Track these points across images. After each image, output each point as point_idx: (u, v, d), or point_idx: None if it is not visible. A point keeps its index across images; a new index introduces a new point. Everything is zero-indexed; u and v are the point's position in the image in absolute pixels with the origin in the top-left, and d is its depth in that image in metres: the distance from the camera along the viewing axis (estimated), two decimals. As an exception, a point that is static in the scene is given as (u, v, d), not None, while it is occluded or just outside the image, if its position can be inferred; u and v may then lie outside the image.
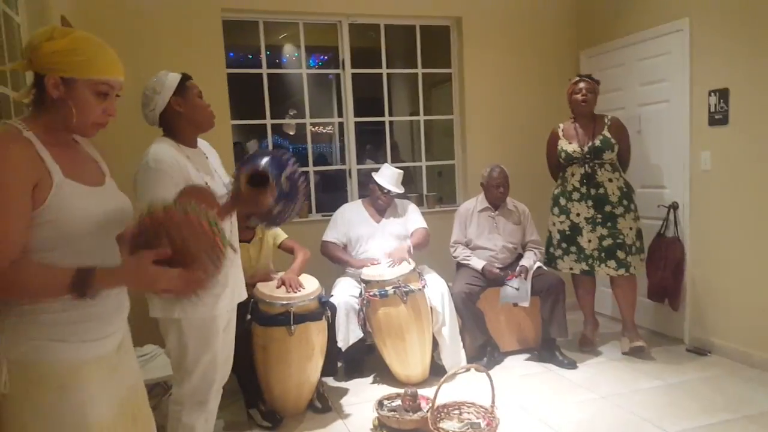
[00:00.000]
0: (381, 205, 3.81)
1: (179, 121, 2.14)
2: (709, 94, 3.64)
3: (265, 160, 1.93)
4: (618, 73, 4.37)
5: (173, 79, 2.12)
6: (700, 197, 3.79)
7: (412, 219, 3.86)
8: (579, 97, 3.71)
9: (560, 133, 3.84)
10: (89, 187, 1.36)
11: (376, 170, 3.86)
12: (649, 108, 4.15)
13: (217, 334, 2.12)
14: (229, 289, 2.15)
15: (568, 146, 3.75)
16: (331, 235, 3.80)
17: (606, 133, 3.69)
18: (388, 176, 3.76)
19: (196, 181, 2.03)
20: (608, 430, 2.77)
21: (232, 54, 4.36)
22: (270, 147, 4.54)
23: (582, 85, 3.73)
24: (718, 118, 3.60)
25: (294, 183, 2.01)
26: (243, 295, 2.30)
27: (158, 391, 2.80)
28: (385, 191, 3.73)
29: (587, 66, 4.65)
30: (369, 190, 3.87)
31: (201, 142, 2.29)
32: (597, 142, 3.67)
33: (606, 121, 3.75)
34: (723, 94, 3.56)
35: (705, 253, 3.78)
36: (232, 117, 4.01)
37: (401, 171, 3.86)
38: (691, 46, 3.75)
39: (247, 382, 3.07)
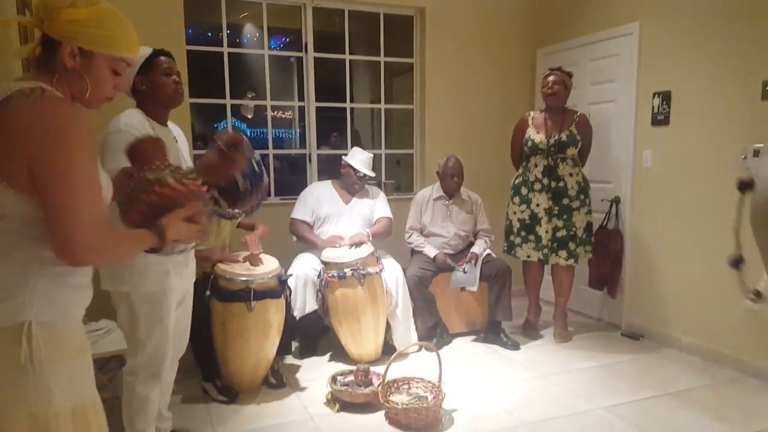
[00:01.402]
0: (355, 187, 3.97)
1: (144, 97, 2.22)
2: (653, 96, 3.95)
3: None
4: (573, 73, 4.68)
5: (141, 56, 2.17)
6: (641, 193, 4.12)
7: (379, 207, 4.03)
8: (546, 90, 3.91)
9: (530, 121, 4.04)
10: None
11: (336, 155, 4.01)
12: (598, 107, 4.45)
13: (170, 309, 2.20)
14: (185, 269, 2.26)
15: (536, 136, 3.95)
16: (300, 212, 3.93)
17: (573, 128, 3.91)
18: (361, 160, 3.92)
19: None
20: (545, 405, 3.06)
21: (190, 30, 4.40)
22: (229, 129, 4.63)
23: (551, 78, 3.90)
24: (660, 119, 3.92)
25: (260, 167, 2.17)
26: (193, 276, 2.40)
27: (113, 365, 2.85)
28: (360, 174, 3.89)
29: (543, 64, 4.94)
30: (341, 173, 3.99)
31: (173, 126, 2.37)
32: (563, 137, 3.89)
33: (575, 117, 3.96)
34: (666, 96, 3.88)
35: (643, 245, 4.12)
36: (190, 95, 4.06)
37: (371, 155, 4.02)
38: (640, 49, 4.05)
39: (204, 357, 3.17)
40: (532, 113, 4.10)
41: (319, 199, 3.95)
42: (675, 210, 3.88)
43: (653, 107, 3.97)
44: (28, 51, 1.33)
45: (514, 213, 4.08)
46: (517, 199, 4.06)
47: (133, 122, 2.11)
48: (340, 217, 3.92)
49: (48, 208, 1.21)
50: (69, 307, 1.33)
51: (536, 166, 3.97)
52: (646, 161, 4.06)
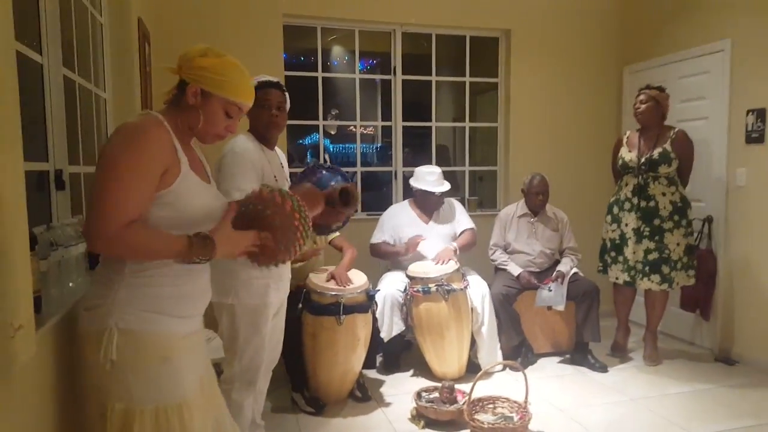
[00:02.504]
0: (431, 207, 3.85)
1: (250, 124, 2.33)
2: (747, 113, 3.70)
3: (336, 177, 2.14)
4: (665, 88, 4.42)
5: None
6: (734, 212, 3.84)
7: (460, 220, 3.90)
8: (635, 107, 3.73)
9: (624, 140, 3.86)
10: (202, 182, 1.54)
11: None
12: (687, 124, 4.14)
13: (267, 320, 2.26)
14: (281, 282, 2.31)
15: (627, 154, 3.77)
16: (379, 236, 3.85)
17: (667, 146, 3.64)
18: (430, 181, 3.76)
19: (268, 177, 2.20)
20: (636, 430, 2.87)
21: (285, 55, 4.53)
22: (321, 149, 4.70)
23: (641, 96, 3.70)
24: (755, 137, 3.66)
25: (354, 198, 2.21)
26: (287, 290, 2.44)
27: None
28: (432, 194, 3.76)
29: (630, 81, 4.71)
30: (414, 194, 3.89)
31: (277, 150, 2.45)
32: (655, 155, 3.64)
33: (671, 134, 3.69)
34: (760, 114, 3.62)
35: (737, 267, 3.83)
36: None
37: (437, 168, 3.84)
38: (732, 66, 3.80)
39: (294, 368, 3.22)
40: (628, 132, 3.91)
41: (398, 224, 3.85)
42: (771, 230, 3.57)
43: (747, 125, 3.71)
44: (168, 93, 1.54)
45: (606, 232, 3.90)
46: (609, 218, 3.88)
47: (247, 146, 2.21)
48: (422, 238, 3.79)
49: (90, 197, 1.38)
50: (150, 315, 1.42)
51: (627, 185, 3.77)
52: (740, 180, 3.78)
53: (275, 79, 2.35)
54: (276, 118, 2.31)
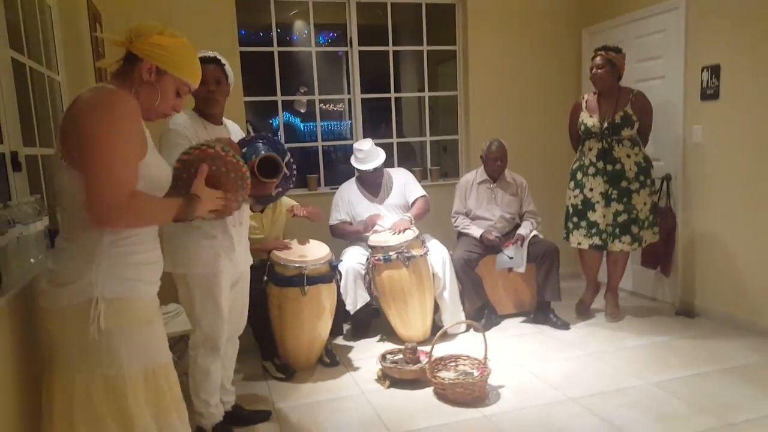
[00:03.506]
0: (375, 184, 4.03)
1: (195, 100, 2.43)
2: (702, 70, 3.86)
3: (266, 148, 2.25)
4: (621, 48, 4.60)
5: None
6: (692, 169, 4.04)
7: (410, 189, 4.06)
8: (592, 71, 3.80)
9: (583, 105, 3.95)
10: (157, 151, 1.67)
11: (384, 144, 4.02)
12: (646, 84, 4.34)
13: (221, 289, 2.40)
14: (234, 253, 2.44)
15: (588, 119, 3.87)
16: (336, 216, 4.05)
17: (628, 109, 3.76)
18: (360, 158, 3.91)
19: None
20: (592, 381, 3.09)
21: (243, 32, 4.62)
22: (281, 125, 4.87)
23: (597, 60, 3.76)
24: (710, 93, 3.83)
25: (290, 168, 2.38)
26: (249, 261, 2.61)
27: (182, 345, 3.07)
28: (368, 172, 3.92)
29: (589, 43, 4.88)
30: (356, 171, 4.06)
31: (230, 124, 2.57)
32: (617, 118, 3.75)
33: (630, 96, 3.80)
34: (715, 70, 3.78)
35: (695, 223, 4.05)
36: (244, 94, 4.30)
37: (369, 140, 3.96)
38: (686, 23, 3.96)
39: (263, 337, 3.41)
40: (585, 96, 4.01)
41: (350, 202, 4.02)
42: (727, 186, 3.79)
43: (702, 81, 3.88)
44: (112, 63, 1.61)
45: (569, 198, 4.04)
46: (572, 184, 4.01)
47: (179, 120, 2.33)
48: (377, 212, 3.96)
49: (84, 172, 1.42)
50: (134, 283, 1.54)
51: (591, 149, 3.89)
52: (697, 137, 3.98)
53: (212, 54, 2.44)
54: (213, 93, 2.41)
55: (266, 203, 2.49)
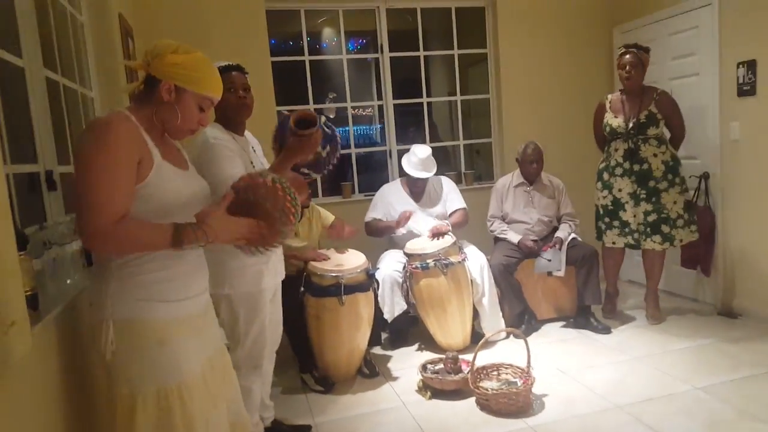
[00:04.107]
0: (417, 189, 3.87)
1: (218, 112, 2.24)
2: (737, 66, 3.66)
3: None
4: (650, 47, 4.36)
5: None
6: (730, 167, 3.82)
7: (451, 199, 3.92)
8: (623, 73, 3.65)
9: (607, 106, 3.82)
10: (179, 169, 1.55)
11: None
12: (680, 81, 4.16)
13: (264, 306, 2.30)
14: (272, 267, 2.33)
15: (613, 120, 3.74)
16: (371, 214, 3.90)
17: (653, 108, 3.63)
18: (414, 163, 3.77)
19: (246, 165, 2.19)
20: (639, 387, 2.91)
21: (273, 41, 4.51)
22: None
23: (627, 58, 3.62)
24: (746, 89, 3.63)
25: (331, 128, 2.22)
26: (283, 273, 2.46)
27: None
28: (414, 178, 3.78)
29: (620, 41, 4.62)
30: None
31: (247, 134, 2.41)
32: (642, 118, 3.63)
33: (654, 95, 3.67)
34: (751, 66, 3.58)
35: (735, 221, 3.82)
36: (276, 103, 4.17)
37: (428, 149, 3.82)
38: (720, 19, 3.75)
39: (301, 349, 3.27)
40: (609, 96, 3.87)
41: (390, 203, 3.88)
42: (767, 183, 3.55)
43: (738, 78, 3.67)
44: (134, 87, 1.56)
45: (598, 199, 3.90)
46: (599, 185, 3.87)
47: (219, 135, 2.19)
48: (415, 216, 3.78)
49: (75, 194, 1.37)
50: (145, 303, 1.47)
51: (617, 150, 3.75)
52: (734, 134, 3.75)
53: (234, 63, 2.29)
54: (244, 99, 2.27)
55: (322, 168, 2.30)
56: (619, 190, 3.75)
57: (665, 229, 3.67)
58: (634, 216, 3.71)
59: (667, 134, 3.78)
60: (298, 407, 3.00)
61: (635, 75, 3.62)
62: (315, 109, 4.45)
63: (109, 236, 1.35)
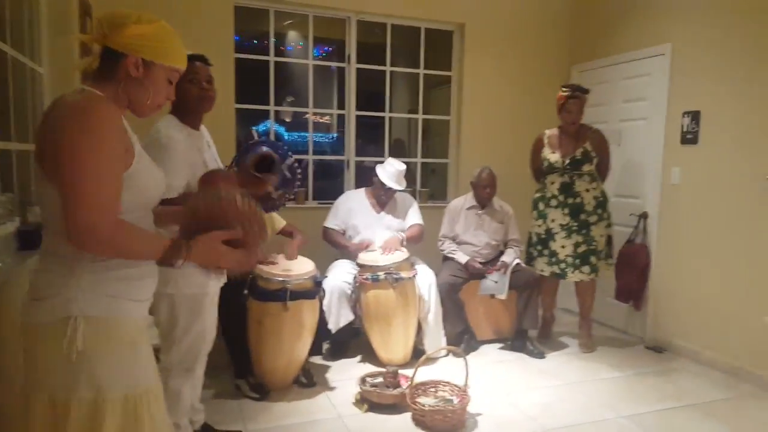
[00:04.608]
0: (383, 199, 3.88)
1: (176, 103, 2.10)
2: (683, 115, 3.86)
3: (266, 149, 2.05)
4: (604, 89, 4.56)
5: None
6: (668, 209, 4.00)
7: (411, 215, 3.95)
8: (568, 117, 3.81)
9: (545, 140, 3.98)
10: (148, 158, 1.45)
11: (378, 163, 3.90)
12: (629, 124, 4.35)
13: (206, 308, 2.21)
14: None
15: (551, 155, 3.90)
16: (332, 221, 3.88)
17: (587, 146, 3.83)
18: (391, 173, 3.78)
19: (198, 165, 2.10)
20: (568, 412, 2.99)
21: (237, 38, 4.42)
22: (272, 133, 4.64)
23: (572, 105, 3.78)
24: (690, 138, 3.82)
25: (293, 172, 2.15)
26: (224, 278, 2.34)
27: None
28: (386, 188, 3.79)
29: (577, 79, 4.82)
30: (373, 181, 3.90)
31: (203, 129, 2.29)
32: (578, 155, 3.82)
33: (589, 134, 3.87)
34: (695, 116, 3.78)
35: (669, 261, 4.00)
36: (236, 101, 4.07)
37: (405, 166, 3.87)
38: (671, 69, 3.95)
39: (239, 354, 3.16)
40: (547, 132, 4.02)
41: (351, 210, 3.88)
42: (700, 227, 3.76)
43: (683, 126, 3.87)
44: (88, 63, 1.39)
45: (533, 227, 4.05)
46: (535, 214, 4.03)
47: (173, 134, 2.06)
48: (371, 228, 3.82)
49: (62, 190, 1.22)
50: (119, 301, 1.33)
51: (553, 183, 3.92)
52: (675, 178, 3.95)
53: (198, 53, 2.18)
54: (207, 91, 2.17)
55: (271, 209, 2.24)
56: (552, 221, 3.91)
57: (593, 260, 3.86)
58: (563, 247, 3.87)
59: None
60: (230, 412, 2.90)
61: (578, 118, 3.82)
62: (275, 112, 4.39)
63: (109, 240, 1.23)
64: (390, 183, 3.77)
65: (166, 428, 1.44)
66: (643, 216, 4.14)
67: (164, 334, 2.22)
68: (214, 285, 2.23)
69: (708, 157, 3.69)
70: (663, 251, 4.04)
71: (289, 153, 2.17)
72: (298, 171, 2.20)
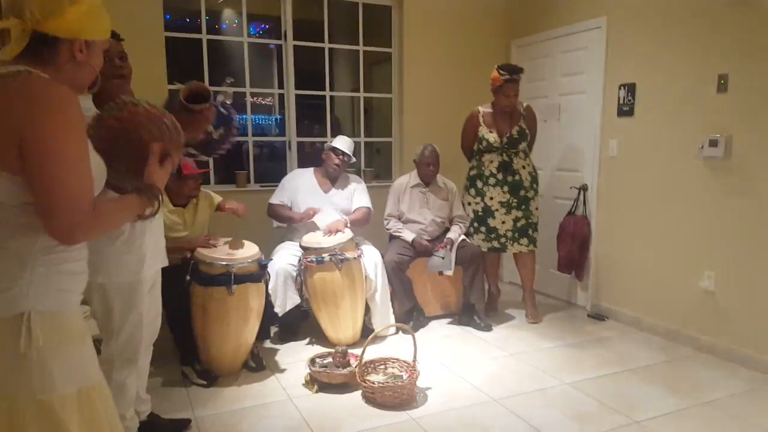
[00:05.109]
0: (334, 172, 3.94)
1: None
2: (619, 88, 4.05)
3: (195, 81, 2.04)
4: (543, 63, 4.74)
5: None
6: (607, 180, 4.23)
7: (358, 197, 4.02)
8: (506, 101, 3.92)
9: (480, 119, 4.09)
10: None
11: (317, 143, 3.99)
12: (568, 98, 4.54)
13: (143, 296, 2.21)
14: (151, 254, 2.24)
15: (489, 135, 4.03)
16: (278, 197, 3.94)
17: (522, 123, 4.01)
18: (343, 141, 3.93)
19: None
20: (514, 381, 3.16)
21: (168, 16, 4.34)
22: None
23: (509, 89, 3.87)
24: (626, 110, 4.02)
25: (227, 108, 2.15)
26: (165, 261, 2.40)
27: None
28: (339, 153, 3.88)
29: (517, 54, 4.99)
30: (322, 159, 3.98)
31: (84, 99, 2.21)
32: (514, 134, 3.99)
33: (522, 111, 4.04)
34: (631, 88, 3.97)
35: (609, 231, 4.24)
36: (169, 81, 4.02)
37: (353, 142, 4.02)
38: (607, 42, 4.13)
39: (184, 341, 3.18)
40: (481, 109, 4.13)
41: (297, 188, 3.94)
42: (638, 197, 3.99)
43: (619, 98, 4.06)
44: (15, 52, 1.27)
45: (469, 204, 4.20)
46: (473, 191, 4.17)
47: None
48: (318, 206, 3.87)
49: (37, 186, 1.22)
50: (67, 295, 1.34)
51: (492, 162, 4.07)
52: (612, 150, 4.15)
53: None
54: (122, 69, 2.17)
55: (213, 150, 2.21)
56: (491, 198, 4.08)
57: (531, 233, 4.10)
58: (503, 222, 4.07)
59: None
60: (178, 400, 2.93)
61: (516, 101, 3.98)
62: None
63: (91, 225, 1.27)
64: (345, 148, 3.87)
65: (117, 420, 1.47)
66: (583, 188, 4.36)
67: (102, 326, 2.22)
68: (148, 270, 2.22)
69: (643, 129, 3.90)
70: (602, 222, 4.27)
71: (218, 95, 2.15)
72: (234, 114, 2.19)
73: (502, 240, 4.09)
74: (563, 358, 3.51)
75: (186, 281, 3.10)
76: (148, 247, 2.21)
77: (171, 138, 1.47)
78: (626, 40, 4.00)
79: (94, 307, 2.19)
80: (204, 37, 4.23)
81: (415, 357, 3.03)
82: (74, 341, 1.34)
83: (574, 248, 4.28)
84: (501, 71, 3.90)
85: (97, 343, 2.55)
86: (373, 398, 2.89)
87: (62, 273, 1.32)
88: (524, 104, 4.10)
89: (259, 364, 3.31)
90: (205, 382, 3.10)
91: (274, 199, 3.95)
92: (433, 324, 4.11)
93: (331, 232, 3.66)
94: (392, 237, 4.15)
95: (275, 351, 3.61)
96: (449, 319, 4.19)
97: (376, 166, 5.22)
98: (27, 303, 1.25)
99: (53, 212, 1.22)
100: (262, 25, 6.43)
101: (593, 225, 4.33)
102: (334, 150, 3.91)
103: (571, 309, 4.51)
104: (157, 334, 2.46)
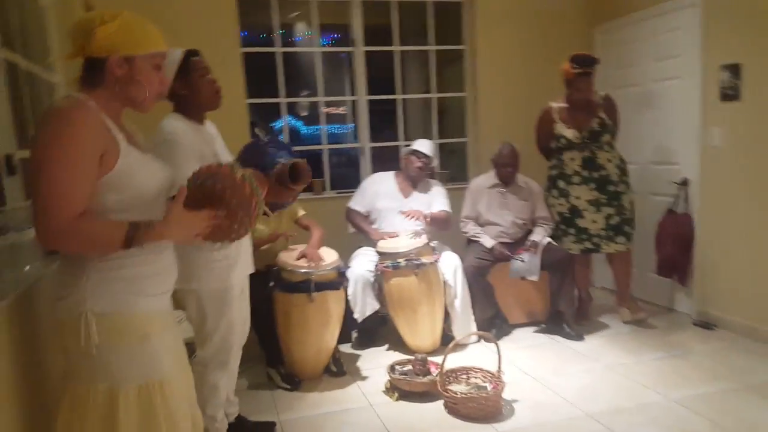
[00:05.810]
0: (415, 175, 4.00)
1: (183, 100, 2.29)
2: (721, 69, 3.77)
3: (285, 154, 2.18)
4: (632, 48, 4.55)
5: (174, 59, 2.18)
6: (710, 173, 3.96)
7: (438, 200, 4.02)
8: (579, 95, 3.83)
9: (555, 116, 3.99)
10: (144, 154, 1.57)
11: (391, 148, 4.06)
12: (661, 84, 4.32)
13: (233, 301, 2.37)
14: (241, 261, 2.40)
15: (567, 131, 3.92)
16: (357, 202, 4.04)
17: (602, 114, 3.87)
18: (424, 144, 4.00)
19: (209, 158, 2.24)
20: (611, 395, 3.02)
21: (245, 33, 4.61)
22: (285, 128, 4.81)
23: (581, 83, 3.79)
24: (730, 94, 3.73)
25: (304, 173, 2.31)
26: (251, 267, 2.55)
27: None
28: (421, 155, 3.93)
29: (601, 42, 4.83)
30: (403, 162, 4.07)
31: (208, 123, 2.44)
32: (595, 127, 3.86)
33: (600, 101, 3.89)
34: (734, 69, 3.68)
35: (714, 230, 3.96)
36: (247, 96, 4.26)
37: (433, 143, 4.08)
38: (703, 21, 3.88)
39: (269, 345, 3.38)
40: (554, 105, 4.03)
41: (377, 193, 4.01)
42: (748, 191, 3.71)
43: (721, 81, 3.80)
44: (77, 80, 1.50)
45: (552, 206, 4.10)
46: (555, 192, 4.07)
47: (177, 130, 2.21)
48: (395, 212, 3.92)
49: (32, 191, 1.39)
50: (125, 297, 1.50)
51: (573, 159, 3.96)
52: (715, 140, 3.89)
53: (192, 49, 2.32)
54: (215, 83, 2.32)
55: (279, 209, 2.43)
56: (577, 198, 3.95)
57: (627, 229, 3.94)
58: (594, 222, 3.93)
59: None
60: (264, 403, 3.09)
61: (590, 95, 3.86)
62: (287, 105, 4.57)
63: (71, 233, 1.37)
64: (425, 149, 3.93)
65: (183, 420, 1.61)
66: (684, 183, 4.11)
67: (197, 330, 2.41)
68: (238, 276, 2.38)
69: (752, 114, 3.62)
70: (707, 220, 4.01)
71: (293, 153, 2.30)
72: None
73: (595, 240, 3.95)
74: (667, 370, 3.31)
75: (269, 287, 3.29)
76: (237, 253, 2.36)
77: (229, 201, 1.56)
78: (726, 16, 3.74)
79: (189, 312, 2.38)
80: (278, 50, 4.44)
81: (499, 367, 2.99)
82: (133, 339, 1.50)
83: (676, 249, 4.05)
84: (573, 64, 3.80)
85: (189, 345, 2.79)
86: (457, 409, 2.88)
87: (119, 278, 1.49)
88: (602, 94, 3.97)
89: (340, 368, 3.43)
90: (289, 386, 3.27)
91: (354, 204, 4.05)
92: (518, 332, 4.04)
93: (410, 215, 3.73)
94: (470, 241, 4.12)
95: (355, 357, 3.71)
96: (535, 328, 4.10)
97: (451, 168, 5.23)
98: (84, 305, 1.45)
99: (35, 215, 1.37)
100: (335, 35, 6.66)
101: (696, 223, 4.08)
102: (415, 153, 3.96)
103: (673, 316, 4.27)
104: (246, 338, 2.62)
